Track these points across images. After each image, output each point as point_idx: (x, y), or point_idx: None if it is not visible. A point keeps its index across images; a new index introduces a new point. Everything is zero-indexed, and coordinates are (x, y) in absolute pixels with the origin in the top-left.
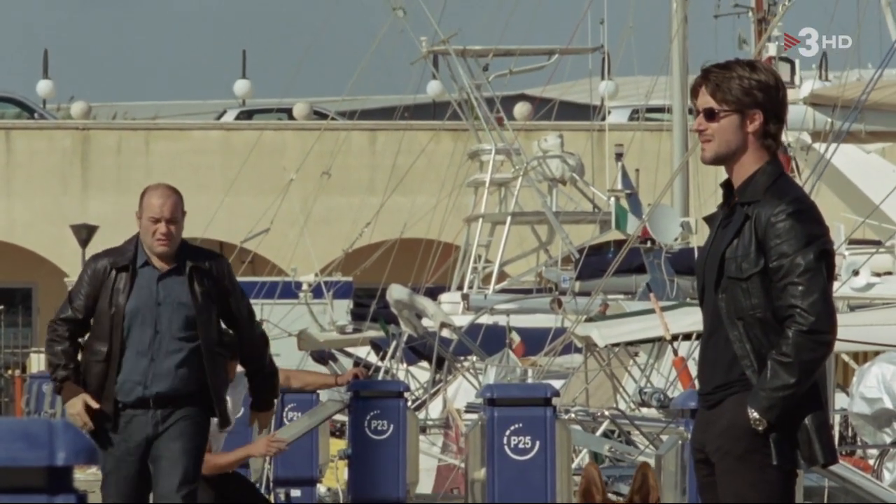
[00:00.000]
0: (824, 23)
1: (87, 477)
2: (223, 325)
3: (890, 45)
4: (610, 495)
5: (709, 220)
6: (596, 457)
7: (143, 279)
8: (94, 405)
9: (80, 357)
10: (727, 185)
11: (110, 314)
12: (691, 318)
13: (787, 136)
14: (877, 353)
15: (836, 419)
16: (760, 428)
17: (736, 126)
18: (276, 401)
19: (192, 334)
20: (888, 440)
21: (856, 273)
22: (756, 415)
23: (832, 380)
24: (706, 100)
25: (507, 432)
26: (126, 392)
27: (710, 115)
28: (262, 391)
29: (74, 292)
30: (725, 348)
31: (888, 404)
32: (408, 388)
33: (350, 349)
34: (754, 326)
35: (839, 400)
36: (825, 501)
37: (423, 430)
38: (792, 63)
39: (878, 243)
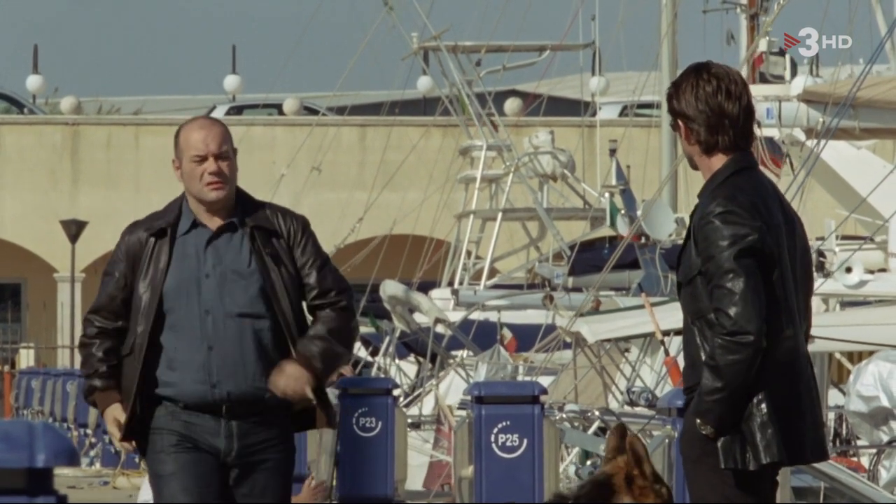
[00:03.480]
0: (818, 19)
1: (74, 472)
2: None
3: (880, 42)
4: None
5: None
6: (587, 455)
7: (186, 246)
8: (121, 418)
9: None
10: None
11: (141, 295)
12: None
13: (780, 133)
14: (871, 353)
15: (831, 417)
16: (704, 432)
17: (679, 136)
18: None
19: (261, 313)
20: (885, 438)
21: (848, 270)
22: (697, 420)
23: (825, 378)
24: None
25: (495, 430)
26: (187, 394)
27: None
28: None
29: (108, 273)
30: (694, 351)
31: (885, 402)
32: (397, 386)
33: None
34: (705, 329)
35: (833, 397)
36: (820, 502)
37: (417, 426)
38: (793, 61)
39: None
